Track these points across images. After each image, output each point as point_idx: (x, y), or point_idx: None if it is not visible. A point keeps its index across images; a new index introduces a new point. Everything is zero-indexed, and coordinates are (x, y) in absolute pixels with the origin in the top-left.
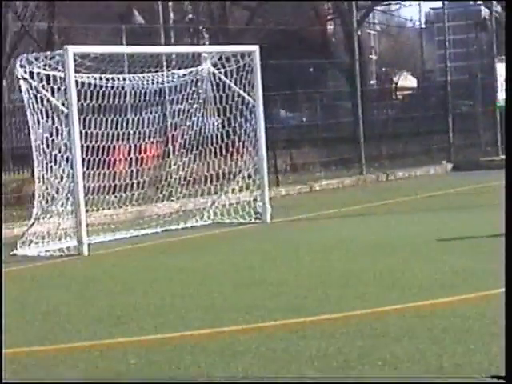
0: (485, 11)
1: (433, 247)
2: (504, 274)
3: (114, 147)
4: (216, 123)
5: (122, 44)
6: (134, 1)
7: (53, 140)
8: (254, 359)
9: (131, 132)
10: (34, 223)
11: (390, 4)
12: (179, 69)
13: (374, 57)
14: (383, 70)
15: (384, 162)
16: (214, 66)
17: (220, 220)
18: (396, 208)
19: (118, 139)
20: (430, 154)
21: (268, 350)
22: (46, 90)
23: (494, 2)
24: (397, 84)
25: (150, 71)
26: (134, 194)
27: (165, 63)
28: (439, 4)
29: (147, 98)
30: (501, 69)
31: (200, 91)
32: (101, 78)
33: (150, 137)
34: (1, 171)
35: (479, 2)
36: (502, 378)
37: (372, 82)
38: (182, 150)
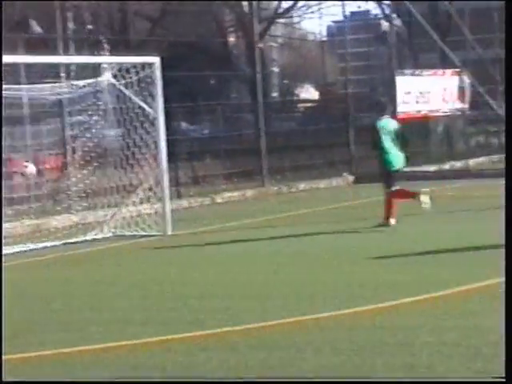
0: (384, 25)
1: (339, 258)
2: (503, 277)
3: (11, 159)
4: (116, 135)
5: (18, 54)
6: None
7: None
8: (155, 372)
9: (28, 144)
10: None
11: (291, 17)
12: (78, 80)
13: (276, 69)
14: (285, 82)
15: (286, 174)
16: (114, 77)
17: (121, 233)
18: (297, 220)
19: (14, 151)
20: (331, 167)
21: (169, 362)
22: None
23: (394, 15)
24: (298, 96)
25: (48, 82)
26: (31, 206)
27: (64, 74)
28: (340, 17)
29: (45, 109)
30: (400, 82)
31: (100, 102)
32: None
33: (48, 149)
34: (1, 171)
35: (379, 16)
36: (502, 377)
37: (274, 94)
38: (81, 162)
